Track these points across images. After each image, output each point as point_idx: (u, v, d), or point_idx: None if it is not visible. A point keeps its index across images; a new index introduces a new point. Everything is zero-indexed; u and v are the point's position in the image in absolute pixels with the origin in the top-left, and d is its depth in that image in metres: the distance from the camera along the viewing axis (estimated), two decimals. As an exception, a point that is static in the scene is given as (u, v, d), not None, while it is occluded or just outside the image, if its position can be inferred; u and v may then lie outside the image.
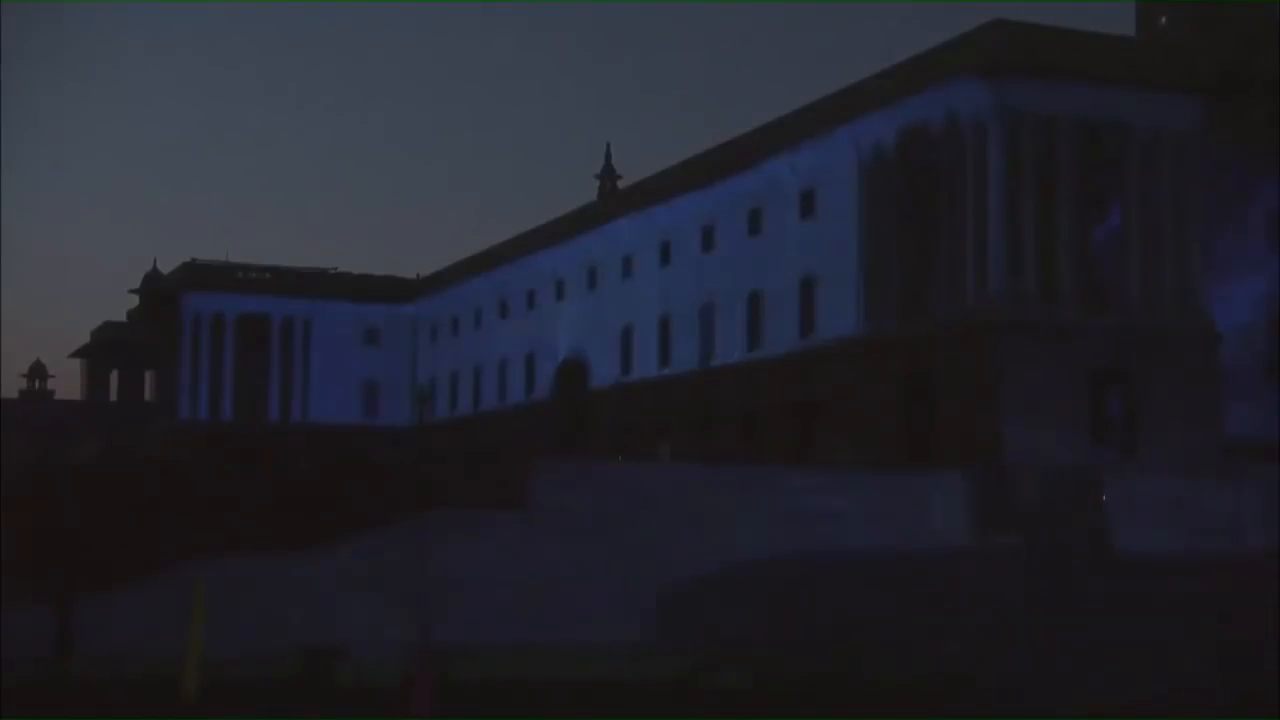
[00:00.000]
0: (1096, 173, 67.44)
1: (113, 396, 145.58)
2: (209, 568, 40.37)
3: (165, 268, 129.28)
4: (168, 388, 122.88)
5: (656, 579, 49.56)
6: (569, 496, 53.26)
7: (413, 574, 46.47)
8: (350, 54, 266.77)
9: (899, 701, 33.74)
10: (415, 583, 45.98)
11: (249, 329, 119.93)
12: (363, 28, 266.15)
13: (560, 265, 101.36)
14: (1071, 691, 36.26)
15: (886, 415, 68.59)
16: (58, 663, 40.20)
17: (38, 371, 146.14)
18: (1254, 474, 62.53)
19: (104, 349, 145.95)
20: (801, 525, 52.99)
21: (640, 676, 36.77)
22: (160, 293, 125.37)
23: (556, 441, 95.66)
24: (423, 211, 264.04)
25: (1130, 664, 40.46)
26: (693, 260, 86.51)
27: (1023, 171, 65.66)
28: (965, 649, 40.44)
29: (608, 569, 50.26)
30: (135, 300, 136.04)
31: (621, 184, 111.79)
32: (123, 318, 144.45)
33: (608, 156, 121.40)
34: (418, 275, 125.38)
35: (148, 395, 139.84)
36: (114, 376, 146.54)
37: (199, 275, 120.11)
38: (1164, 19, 77.04)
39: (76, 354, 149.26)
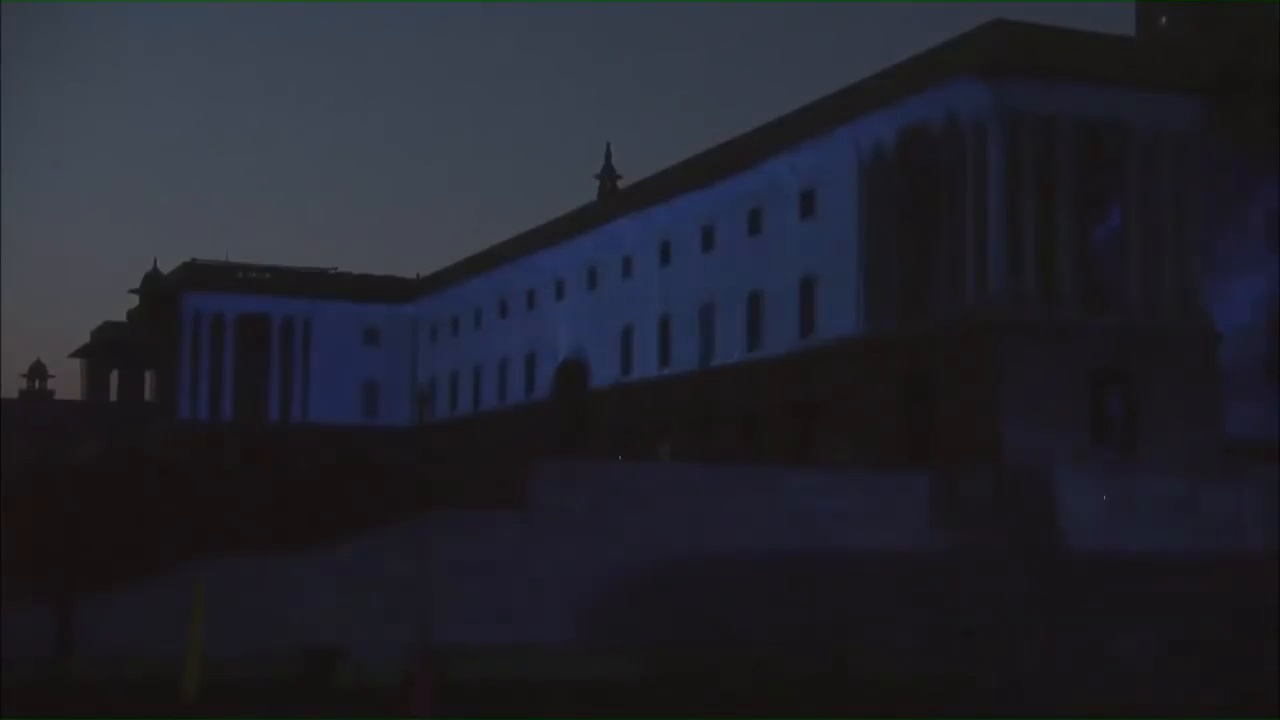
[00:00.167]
0: (1096, 173, 67.43)
1: (113, 396, 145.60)
2: (209, 568, 40.38)
3: (165, 268, 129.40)
4: (168, 388, 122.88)
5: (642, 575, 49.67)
6: (569, 496, 53.28)
7: (413, 574, 46.46)
8: (350, 54, 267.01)
9: (897, 702, 33.73)
10: (415, 583, 45.96)
11: (249, 329, 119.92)
12: (363, 28, 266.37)
13: (560, 265, 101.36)
14: (1032, 690, 36.32)
15: (886, 415, 68.59)
16: (58, 663, 40.22)
17: (38, 371, 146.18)
18: (1254, 474, 62.53)
19: (104, 349, 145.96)
20: (776, 523, 53.12)
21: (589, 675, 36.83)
22: (160, 293, 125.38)
23: (556, 441, 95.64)
24: (423, 211, 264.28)
25: (1076, 662, 40.47)
26: (693, 260, 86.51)
27: (1023, 171, 65.65)
28: (914, 648, 40.40)
29: (603, 567, 50.31)
30: (135, 300, 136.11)
31: (621, 184, 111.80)
32: (123, 318, 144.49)
33: (608, 156, 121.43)
34: (418, 275, 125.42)
35: (148, 395, 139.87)
36: (114, 376, 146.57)
37: (199, 275, 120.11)
38: (1164, 19, 77.04)
39: (76, 354, 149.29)
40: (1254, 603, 45.80)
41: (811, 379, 74.58)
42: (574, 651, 43.11)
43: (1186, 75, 68.47)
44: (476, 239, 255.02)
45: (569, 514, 52.39)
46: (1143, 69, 67.93)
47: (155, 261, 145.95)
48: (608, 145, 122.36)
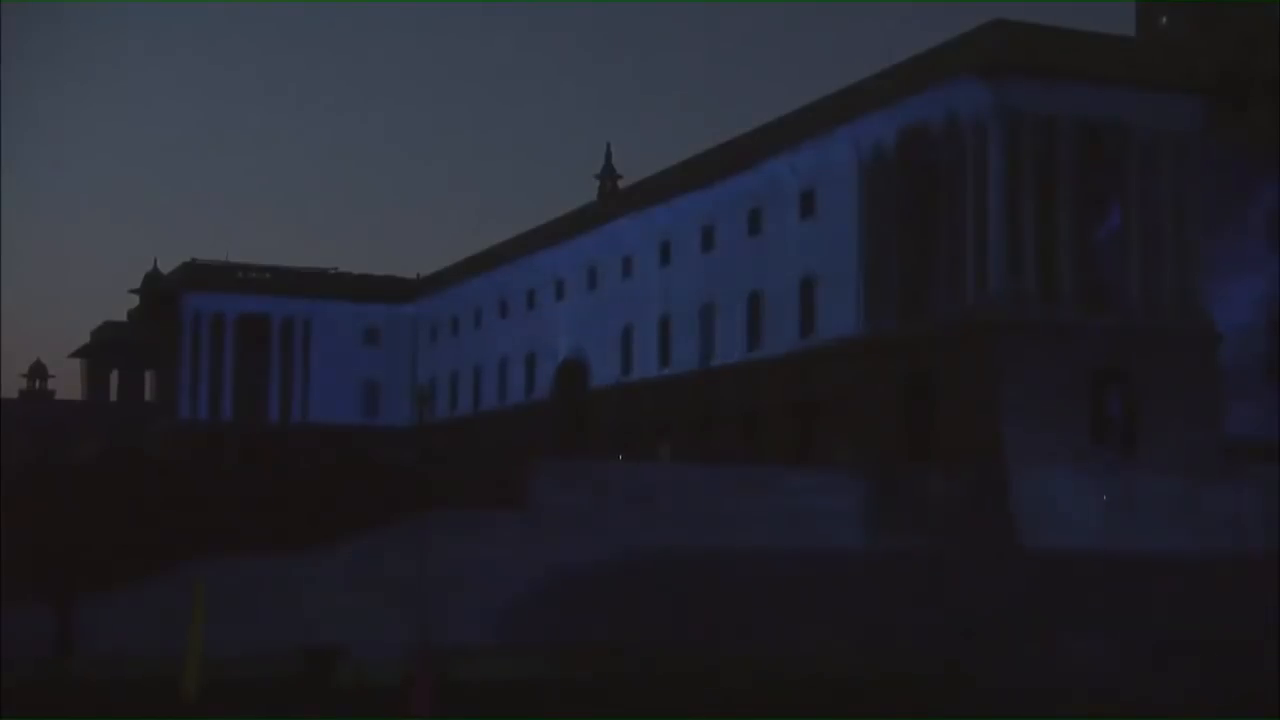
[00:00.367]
0: (1096, 173, 67.42)
1: (113, 396, 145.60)
2: (209, 568, 40.40)
3: (165, 268, 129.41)
4: (168, 388, 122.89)
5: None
6: (569, 496, 53.31)
7: (413, 574, 46.47)
8: (350, 54, 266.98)
9: (896, 702, 33.75)
10: (415, 583, 45.96)
11: (249, 329, 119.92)
12: (363, 28, 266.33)
13: (560, 265, 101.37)
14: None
15: (886, 415, 68.59)
16: (58, 663, 40.23)
17: (38, 371, 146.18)
18: (1254, 474, 62.58)
19: (104, 349, 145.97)
20: (708, 524, 53.11)
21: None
22: (160, 293, 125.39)
23: (556, 441, 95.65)
24: (423, 211, 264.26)
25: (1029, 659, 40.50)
26: (693, 260, 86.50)
27: (1023, 171, 65.65)
28: (819, 647, 40.37)
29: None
30: (135, 300, 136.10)
31: (621, 184, 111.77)
32: (123, 318, 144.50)
33: (608, 156, 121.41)
34: (418, 275, 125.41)
35: (148, 395, 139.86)
36: (114, 376, 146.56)
37: (199, 275, 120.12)
38: (1164, 19, 77.06)
39: (76, 354, 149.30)
40: (1254, 603, 45.80)
41: (811, 379, 74.57)
42: (492, 652, 42.92)
43: (1186, 75, 68.46)
44: (476, 239, 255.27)
45: (568, 514, 52.45)
46: (1143, 69, 67.92)
47: (155, 261, 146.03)
48: (608, 145, 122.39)
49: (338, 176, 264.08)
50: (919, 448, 65.99)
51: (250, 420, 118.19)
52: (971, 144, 66.36)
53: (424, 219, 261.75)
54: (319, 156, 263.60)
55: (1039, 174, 65.92)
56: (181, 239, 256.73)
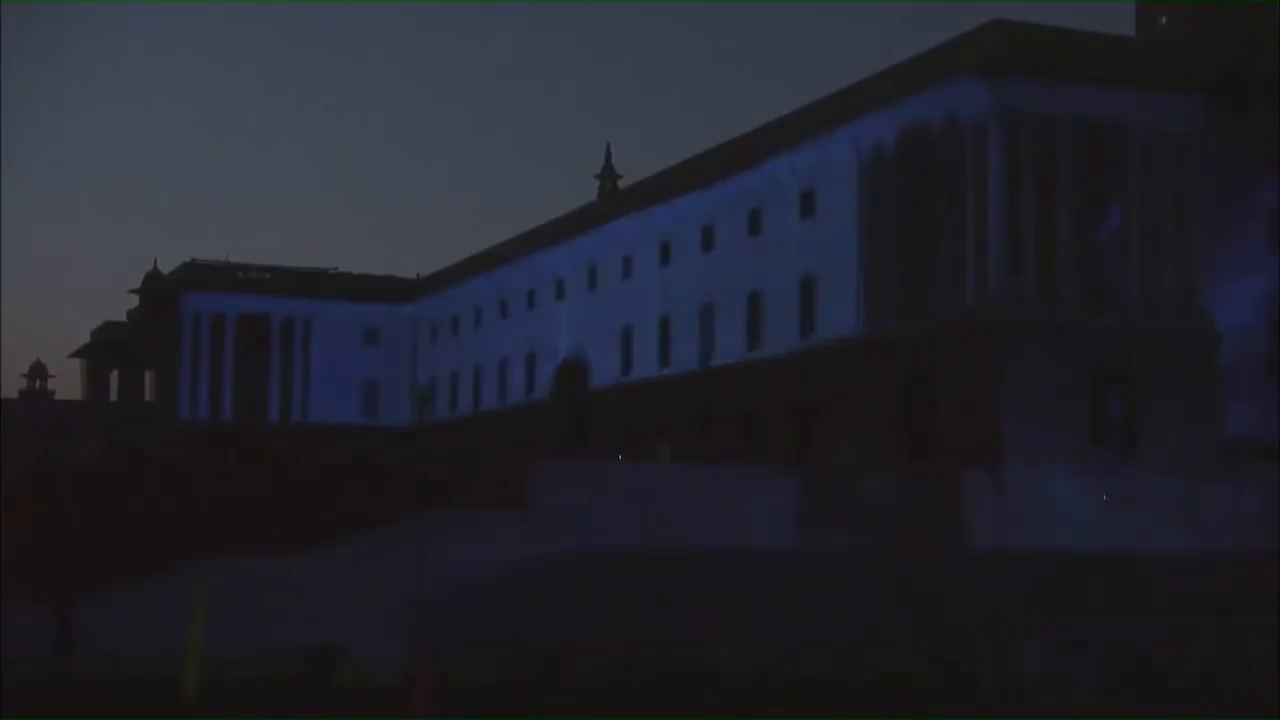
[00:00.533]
0: (1096, 173, 67.42)
1: (113, 396, 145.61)
2: (209, 568, 40.39)
3: (165, 268, 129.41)
4: (168, 388, 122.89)
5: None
6: (569, 496, 53.29)
7: (413, 574, 46.47)
8: (350, 54, 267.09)
9: (898, 701, 33.74)
10: (415, 583, 45.97)
11: (249, 329, 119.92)
12: (363, 28, 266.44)
13: (560, 265, 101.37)
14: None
15: (886, 415, 68.59)
16: (58, 663, 40.21)
17: (38, 371, 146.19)
18: (1254, 474, 62.57)
19: (104, 349, 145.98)
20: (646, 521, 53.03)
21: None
22: (160, 293, 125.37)
23: (556, 441, 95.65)
24: (423, 211, 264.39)
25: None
26: (693, 260, 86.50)
27: (1023, 171, 65.65)
28: (740, 647, 40.27)
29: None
30: (135, 300, 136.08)
31: (621, 184, 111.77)
32: (123, 318, 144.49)
33: (608, 156, 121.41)
34: (418, 275, 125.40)
35: (148, 395, 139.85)
36: (114, 376, 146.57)
37: (199, 275, 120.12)
38: (1164, 19, 77.09)
39: (76, 354, 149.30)
40: (1254, 603, 45.77)
41: (811, 379, 74.57)
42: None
43: (1186, 75, 68.46)
44: (476, 239, 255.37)
45: (568, 514, 52.43)
46: (1143, 69, 67.92)
47: (155, 261, 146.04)
48: (608, 145, 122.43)
49: (338, 176, 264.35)
50: (919, 448, 65.99)
51: (250, 420, 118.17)
52: (971, 144, 66.36)
53: (424, 219, 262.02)
54: (319, 156, 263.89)
55: (1039, 174, 65.93)
56: (181, 239, 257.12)
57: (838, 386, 72.13)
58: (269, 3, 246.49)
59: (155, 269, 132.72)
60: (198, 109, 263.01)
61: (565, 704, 32.71)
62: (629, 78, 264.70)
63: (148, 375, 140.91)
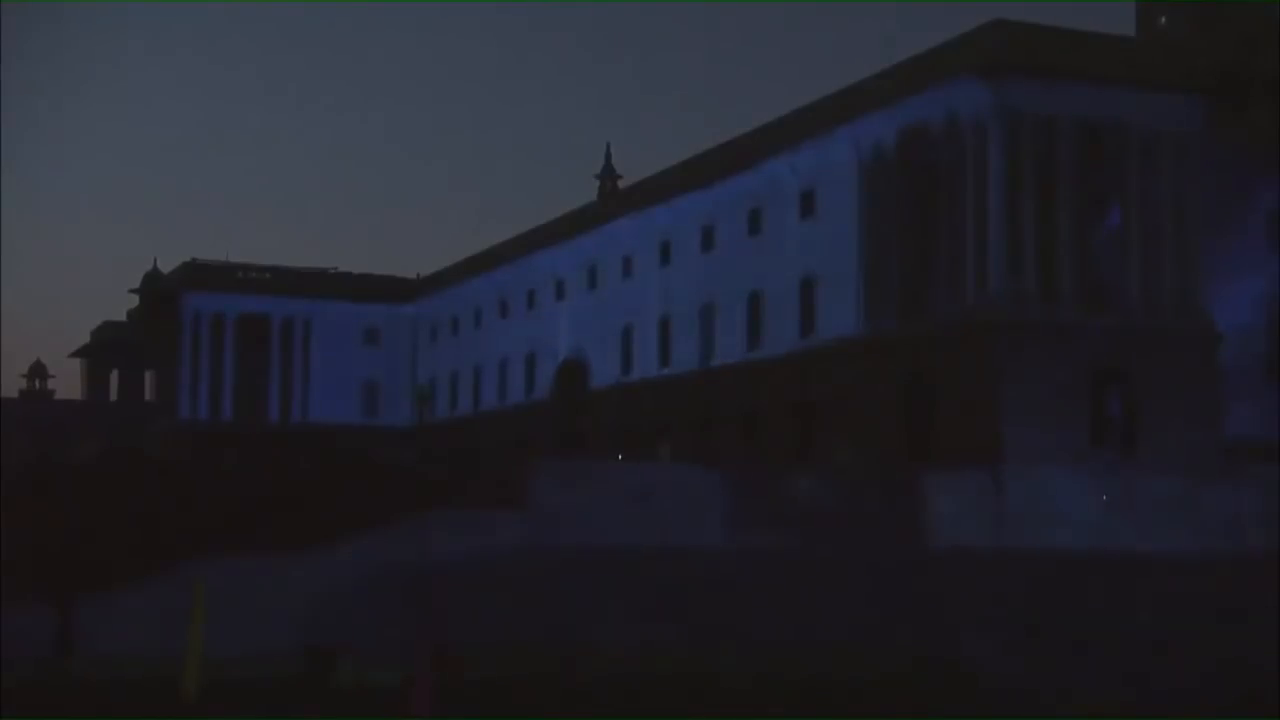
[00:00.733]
0: (1096, 173, 67.43)
1: (113, 396, 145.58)
2: (209, 568, 40.37)
3: (165, 268, 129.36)
4: (168, 388, 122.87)
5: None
6: (569, 496, 53.29)
7: (413, 574, 46.47)
8: (350, 54, 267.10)
9: (899, 701, 33.75)
10: (415, 583, 45.97)
11: (249, 329, 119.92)
12: (363, 28, 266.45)
13: (560, 265, 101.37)
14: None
15: (886, 415, 68.58)
16: (58, 663, 40.22)
17: (38, 371, 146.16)
18: (1254, 474, 62.56)
19: (104, 349, 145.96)
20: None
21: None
22: (160, 293, 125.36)
23: (556, 441, 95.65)
24: (423, 211, 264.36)
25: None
26: (693, 260, 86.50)
27: (1023, 171, 65.65)
28: (648, 646, 40.22)
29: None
30: (135, 300, 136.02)
31: (621, 184, 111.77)
32: (123, 318, 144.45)
33: (608, 156, 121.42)
34: (418, 275, 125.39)
35: (148, 395, 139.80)
36: (114, 376, 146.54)
37: (199, 275, 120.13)
38: (1164, 19, 77.04)
39: (76, 354, 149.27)
40: (1254, 603, 45.78)
41: (811, 379, 74.57)
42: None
43: (1186, 75, 68.46)
44: (476, 239, 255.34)
45: (568, 514, 52.43)
46: (1143, 69, 67.92)
47: (155, 261, 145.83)
48: (608, 145, 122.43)
49: (338, 176, 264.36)
50: (919, 448, 65.99)
51: (250, 420, 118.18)
52: (971, 144, 66.36)
53: (424, 219, 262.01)
54: (319, 156, 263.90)
55: (1039, 174, 65.93)
56: (181, 239, 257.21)
57: (838, 386, 72.12)
58: (269, 3, 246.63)
59: (155, 269, 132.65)
60: (198, 109, 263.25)
61: (565, 704, 32.72)
62: (629, 78, 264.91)
63: (148, 375, 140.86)
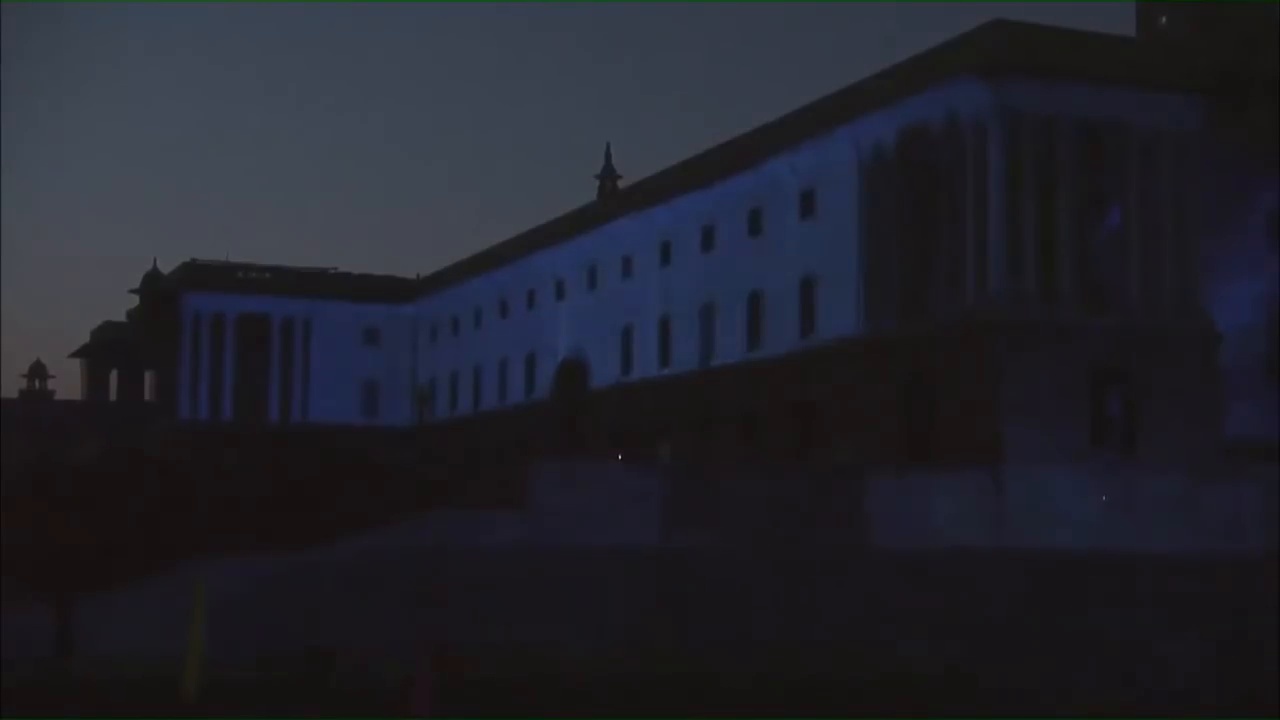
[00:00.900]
0: (1096, 173, 67.44)
1: (113, 396, 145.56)
2: (209, 568, 40.39)
3: (165, 268, 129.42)
4: (168, 388, 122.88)
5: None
6: (569, 496, 53.29)
7: (413, 574, 46.45)
8: (350, 54, 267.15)
9: (896, 702, 33.75)
10: (415, 583, 45.95)
11: (249, 329, 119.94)
12: (363, 28, 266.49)
13: (560, 265, 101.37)
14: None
15: (886, 415, 68.59)
16: (58, 663, 40.19)
17: (38, 371, 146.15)
18: (1254, 474, 62.52)
19: (104, 349, 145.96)
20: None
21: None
22: (160, 293, 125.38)
23: (556, 441, 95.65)
24: (423, 211, 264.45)
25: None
26: (693, 260, 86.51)
27: (1023, 171, 65.67)
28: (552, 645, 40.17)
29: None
30: (135, 300, 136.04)
31: (621, 184, 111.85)
32: (123, 318, 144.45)
33: (608, 156, 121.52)
34: (418, 275, 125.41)
35: (148, 395, 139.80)
36: (114, 376, 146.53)
37: (199, 275, 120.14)
38: (1164, 19, 77.05)
39: (76, 354, 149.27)
40: (1254, 603, 45.76)
41: (811, 379, 74.57)
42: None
43: (1186, 75, 68.48)
44: (476, 239, 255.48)
45: (568, 513, 52.43)
46: (1143, 69, 67.94)
47: (155, 261, 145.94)
48: (608, 145, 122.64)
49: (338, 176, 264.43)
50: (919, 448, 66.00)
51: (250, 420, 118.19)
52: (971, 144, 66.37)
53: (424, 219, 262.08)
54: (319, 156, 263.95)
55: (1039, 174, 65.95)
56: (181, 239, 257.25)
57: (838, 386, 72.14)
58: (269, 3, 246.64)
59: (155, 269, 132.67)
60: (198, 109, 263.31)
61: (565, 704, 32.72)
62: (629, 78, 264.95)
63: (148, 375, 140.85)
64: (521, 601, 45.36)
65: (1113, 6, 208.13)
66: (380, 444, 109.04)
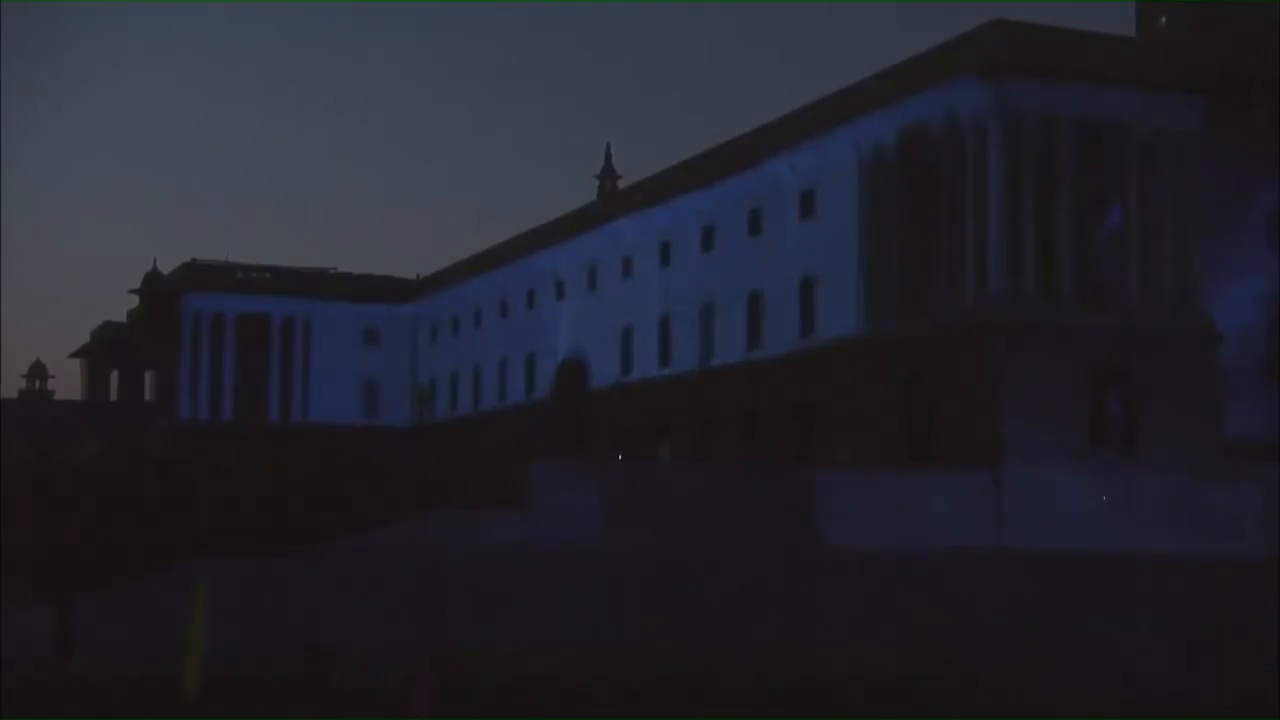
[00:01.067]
0: (1096, 173, 67.45)
1: (113, 396, 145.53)
2: (209, 568, 40.34)
3: (165, 268, 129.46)
4: (168, 388, 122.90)
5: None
6: (568, 496, 53.27)
7: (413, 574, 46.43)
8: (350, 54, 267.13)
9: (895, 701, 33.76)
10: (415, 583, 45.93)
11: (249, 329, 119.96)
12: (363, 28, 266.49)
13: (560, 265, 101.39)
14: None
15: (886, 415, 68.60)
16: (58, 663, 40.19)
17: (38, 371, 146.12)
18: (1254, 474, 62.54)
19: (104, 349, 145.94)
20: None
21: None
22: (160, 293, 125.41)
23: (556, 441, 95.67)
24: (423, 211, 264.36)
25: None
26: (693, 260, 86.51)
27: (1023, 171, 65.68)
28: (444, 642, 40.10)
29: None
30: (135, 300, 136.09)
31: (621, 184, 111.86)
32: (123, 318, 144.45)
33: (608, 156, 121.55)
34: (418, 275, 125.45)
35: (148, 395, 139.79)
36: (114, 376, 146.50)
37: (199, 275, 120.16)
38: (1164, 19, 77.05)
39: (76, 354, 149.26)
40: (1254, 603, 45.76)
41: (811, 379, 74.58)
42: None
43: (1186, 75, 68.49)
44: (476, 239, 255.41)
45: (568, 513, 52.40)
46: (1143, 69, 67.96)
47: (155, 261, 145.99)
48: (608, 145, 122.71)
49: (338, 176, 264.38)
50: (919, 448, 66.01)
51: (250, 420, 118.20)
52: (971, 144, 66.38)
53: (424, 219, 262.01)
54: (319, 156, 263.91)
55: (1039, 174, 65.96)
56: (181, 239, 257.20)
57: (838, 386, 72.14)
58: (269, 3, 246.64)
59: (155, 269, 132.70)
60: (198, 109, 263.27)
61: (565, 704, 32.72)
62: (629, 78, 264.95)
63: (148, 375, 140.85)
64: (521, 601, 45.39)
65: (1113, 6, 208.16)
66: (380, 444, 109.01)
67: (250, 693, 32.75)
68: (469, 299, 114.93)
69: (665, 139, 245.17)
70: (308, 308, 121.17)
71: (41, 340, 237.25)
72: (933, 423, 66.12)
